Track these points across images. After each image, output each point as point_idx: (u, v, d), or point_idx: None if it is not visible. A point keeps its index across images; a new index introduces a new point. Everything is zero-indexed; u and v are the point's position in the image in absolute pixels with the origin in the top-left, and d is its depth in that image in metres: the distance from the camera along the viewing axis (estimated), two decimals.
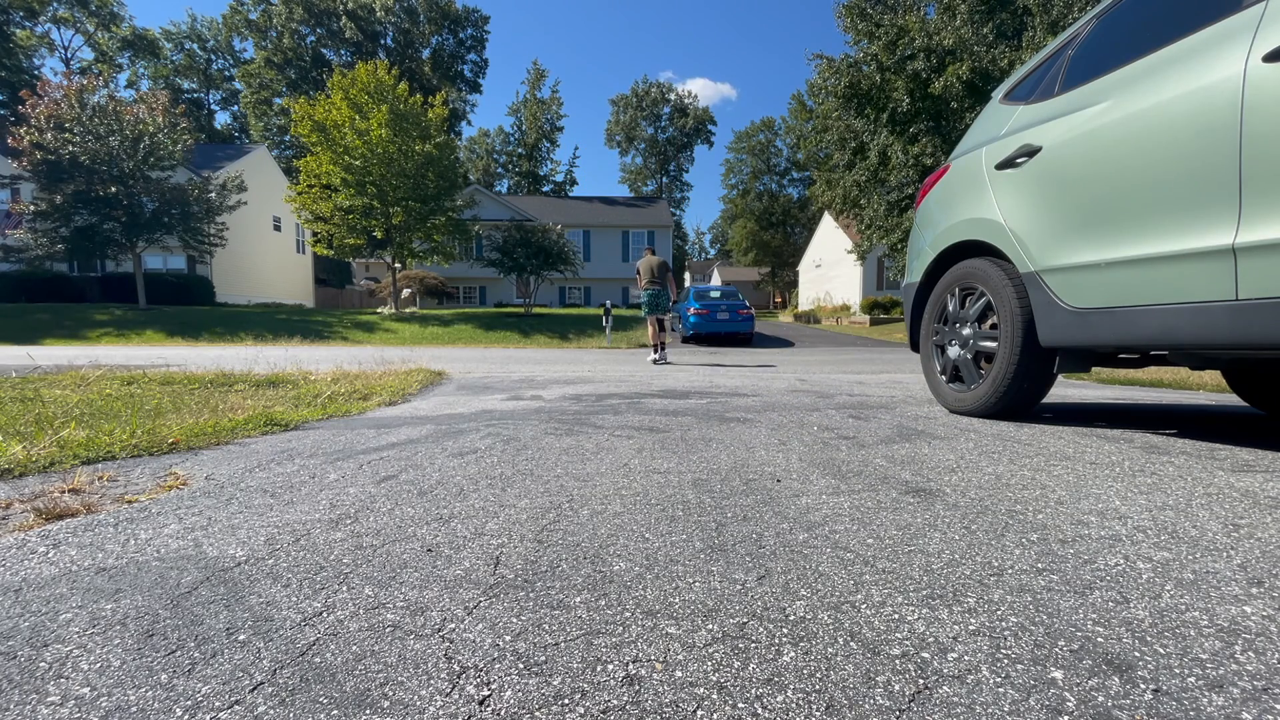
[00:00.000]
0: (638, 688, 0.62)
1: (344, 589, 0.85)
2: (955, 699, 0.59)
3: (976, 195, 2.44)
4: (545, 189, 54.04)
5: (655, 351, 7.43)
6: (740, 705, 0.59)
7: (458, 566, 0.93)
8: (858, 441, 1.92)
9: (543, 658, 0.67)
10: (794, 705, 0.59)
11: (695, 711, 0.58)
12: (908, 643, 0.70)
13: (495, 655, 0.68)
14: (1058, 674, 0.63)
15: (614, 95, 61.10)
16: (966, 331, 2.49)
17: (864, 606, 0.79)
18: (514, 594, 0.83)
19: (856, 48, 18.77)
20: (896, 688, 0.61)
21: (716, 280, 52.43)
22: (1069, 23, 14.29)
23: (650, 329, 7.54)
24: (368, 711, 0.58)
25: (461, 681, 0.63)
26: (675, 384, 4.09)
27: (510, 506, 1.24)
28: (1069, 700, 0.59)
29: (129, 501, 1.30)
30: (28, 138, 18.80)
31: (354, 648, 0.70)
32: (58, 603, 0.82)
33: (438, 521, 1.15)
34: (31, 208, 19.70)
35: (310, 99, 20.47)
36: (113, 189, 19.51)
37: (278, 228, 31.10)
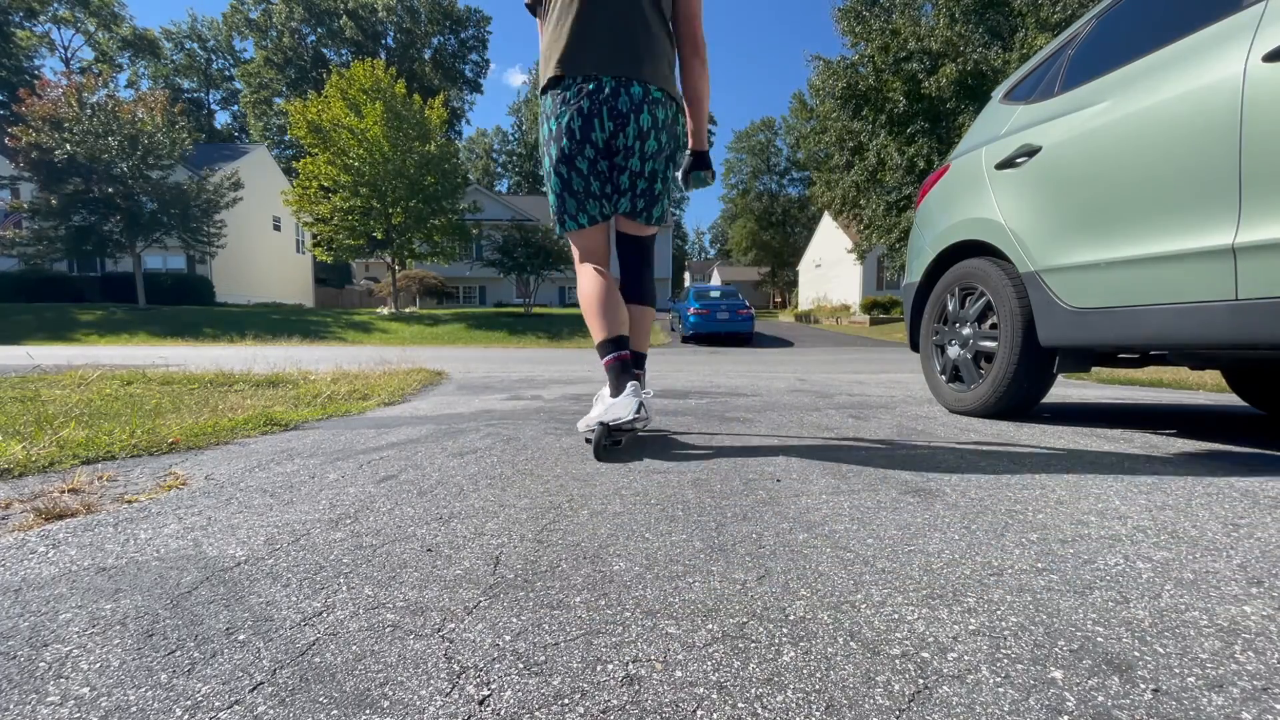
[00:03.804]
0: (638, 687, 0.62)
1: (344, 589, 0.85)
2: (955, 699, 0.59)
3: (976, 195, 2.44)
4: (545, 189, 54.02)
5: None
6: (740, 705, 0.59)
7: (457, 566, 0.93)
8: (858, 441, 1.92)
9: (543, 657, 0.67)
10: (794, 705, 0.59)
11: (695, 711, 0.58)
12: (908, 642, 0.70)
13: (495, 655, 0.68)
14: (1058, 674, 0.63)
15: None
16: (966, 331, 2.49)
17: (864, 606, 0.79)
18: (514, 594, 0.83)
19: (854, 50, 18.81)
20: (896, 687, 0.61)
21: (716, 280, 52.41)
22: (1055, 20, 14.28)
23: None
24: (368, 711, 0.58)
25: (461, 681, 0.63)
26: (675, 383, 4.09)
27: (510, 506, 1.24)
28: (1069, 700, 0.59)
29: (129, 501, 1.30)
30: (25, 138, 18.77)
31: (354, 647, 0.70)
32: (57, 602, 0.82)
33: (438, 521, 1.15)
34: (27, 206, 19.65)
35: (306, 101, 20.45)
36: (110, 189, 19.47)
37: (277, 228, 31.12)
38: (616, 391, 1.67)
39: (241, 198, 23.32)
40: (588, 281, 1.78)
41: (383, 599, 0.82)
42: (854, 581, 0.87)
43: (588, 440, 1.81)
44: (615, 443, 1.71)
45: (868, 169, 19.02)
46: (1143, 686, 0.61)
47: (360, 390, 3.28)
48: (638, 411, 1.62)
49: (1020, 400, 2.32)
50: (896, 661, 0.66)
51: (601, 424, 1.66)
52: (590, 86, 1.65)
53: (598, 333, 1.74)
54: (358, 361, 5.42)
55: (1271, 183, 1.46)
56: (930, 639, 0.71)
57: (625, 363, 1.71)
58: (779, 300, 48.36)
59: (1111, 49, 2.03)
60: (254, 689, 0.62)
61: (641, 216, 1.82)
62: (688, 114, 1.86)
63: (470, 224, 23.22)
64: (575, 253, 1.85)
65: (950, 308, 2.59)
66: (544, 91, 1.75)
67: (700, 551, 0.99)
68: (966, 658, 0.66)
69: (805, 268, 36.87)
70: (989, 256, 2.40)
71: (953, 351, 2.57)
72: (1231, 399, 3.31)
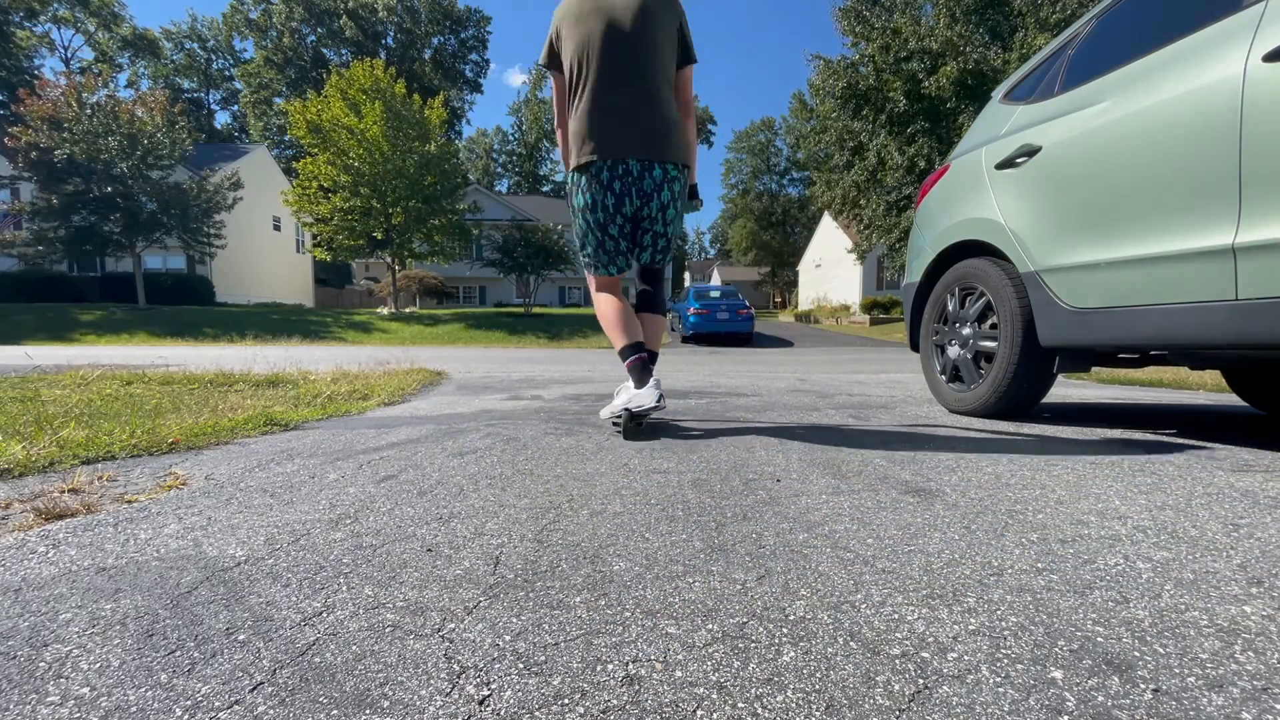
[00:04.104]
0: (638, 687, 0.62)
1: (344, 589, 0.85)
2: (955, 699, 0.59)
3: (976, 195, 2.44)
4: (545, 189, 54.07)
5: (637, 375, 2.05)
6: (740, 705, 0.59)
7: (458, 566, 0.93)
8: (858, 441, 1.92)
9: (543, 657, 0.67)
10: (794, 705, 0.59)
11: (695, 711, 0.58)
12: (907, 642, 0.70)
13: (495, 655, 0.68)
14: (1057, 674, 0.63)
15: None
16: (966, 331, 2.49)
17: (864, 606, 0.79)
18: (514, 594, 0.83)
19: (854, 50, 18.80)
20: (896, 687, 0.61)
21: (716, 280, 52.41)
22: (1055, 20, 14.28)
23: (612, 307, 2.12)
24: (367, 711, 0.58)
25: (461, 681, 0.63)
26: (675, 383, 4.09)
27: (510, 506, 1.24)
28: (1069, 700, 0.59)
29: (129, 501, 1.30)
30: (24, 138, 18.74)
31: (354, 647, 0.70)
32: (57, 602, 0.82)
33: (437, 521, 1.15)
34: (28, 209, 19.62)
35: (306, 101, 20.43)
36: (109, 188, 19.43)
37: (277, 228, 31.10)
38: (640, 384, 1.96)
39: (242, 198, 23.30)
40: (605, 305, 2.09)
41: (383, 599, 0.82)
42: (854, 581, 0.87)
43: (614, 425, 2.13)
44: (639, 424, 2.02)
45: (868, 169, 19.00)
46: (1143, 686, 0.61)
47: (360, 390, 3.28)
48: (658, 401, 1.93)
49: (1020, 400, 2.32)
50: (896, 661, 0.66)
51: (628, 410, 1.96)
52: (620, 170, 1.94)
53: (619, 341, 2.04)
54: (358, 361, 5.42)
55: (1271, 183, 1.46)
56: (930, 639, 0.71)
57: (645, 362, 2.01)
58: (779, 300, 48.34)
59: (1111, 49, 2.03)
60: (254, 689, 0.62)
61: (658, 265, 2.20)
62: (673, 148, 2.07)
63: (470, 224, 23.19)
64: (593, 283, 2.17)
65: (950, 308, 2.59)
66: (578, 169, 2.00)
67: (700, 551, 0.99)
68: (966, 658, 0.66)
69: (805, 268, 36.86)
70: (989, 256, 2.40)
71: (953, 351, 2.57)
72: (1231, 399, 3.31)
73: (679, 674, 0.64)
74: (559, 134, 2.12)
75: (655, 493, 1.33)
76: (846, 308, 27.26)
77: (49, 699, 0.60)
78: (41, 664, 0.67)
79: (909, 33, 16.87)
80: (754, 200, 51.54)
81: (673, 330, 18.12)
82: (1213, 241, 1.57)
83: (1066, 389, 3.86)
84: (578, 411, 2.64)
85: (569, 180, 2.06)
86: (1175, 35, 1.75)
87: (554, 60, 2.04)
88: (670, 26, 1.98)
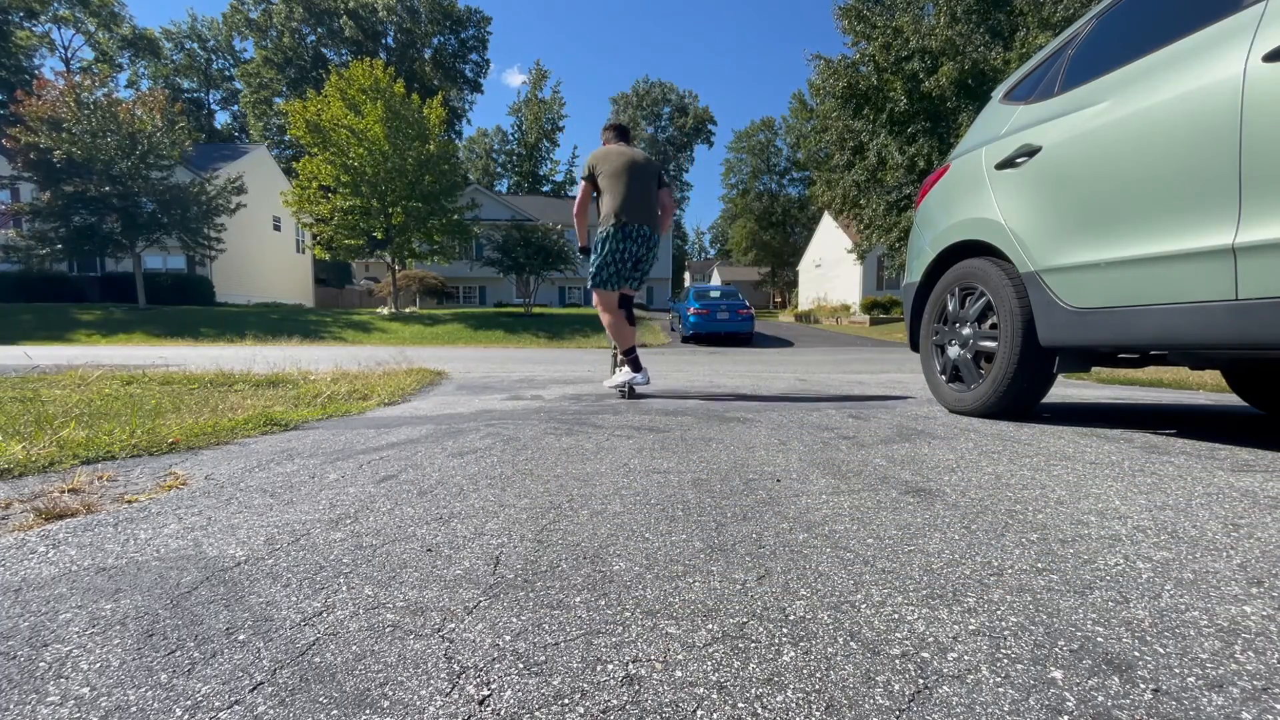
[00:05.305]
0: (638, 687, 0.62)
1: (344, 589, 0.85)
2: (955, 699, 0.59)
3: (976, 195, 2.44)
4: (545, 189, 54.06)
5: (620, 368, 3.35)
6: (740, 705, 0.59)
7: (458, 566, 0.93)
8: (858, 441, 1.92)
9: (543, 657, 0.67)
10: (794, 705, 0.59)
11: (695, 711, 0.58)
12: (908, 642, 0.70)
13: (495, 655, 0.68)
14: (1057, 674, 0.63)
15: (614, 94, 61.41)
16: (966, 331, 2.49)
17: (864, 606, 0.79)
18: (514, 594, 0.84)
19: (855, 49, 18.77)
20: (896, 687, 0.61)
21: (716, 280, 52.39)
22: (1056, 19, 14.26)
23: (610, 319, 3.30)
24: (368, 711, 0.58)
25: (461, 681, 0.63)
26: (675, 384, 4.09)
27: (510, 506, 1.24)
28: (1069, 700, 0.59)
29: (129, 501, 1.30)
30: (23, 138, 18.71)
31: (354, 647, 0.70)
32: (57, 602, 0.82)
33: (438, 521, 1.15)
34: (27, 209, 19.57)
35: (305, 101, 20.39)
36: (108, 188, 19.37)
37: (277, 228, 31.07)
38: (636, 370, 3.23)
39: (245, 204, 23.26)
40: (612, 316, 3.30)
41: (383, 599, 0.82)
42: (854, 581, 0.87)
43: (621, 393, 3.32)
44: (633, 393, 3.25)
45: (868, 168, 18.98)
46: (1143, 686, 0.61)
47: (360, 390, 3.28)
48: (647, 382, 3.27)
49: (1020, 400, 2.32)
50: (896, 661, 0.66)
51: (630, 386, 3.24)
52: (639, 231, 3.19)
53: (623, 344, 3.29)
54: (357, 361, 5.42)
55: (1271, 183, 1.46)
56: (930, 639, 0.71)
57: (637, 357, 3.26)
58: (779, 300, 48.32)
59: (1112, 49, 2.03)
60: (254, 689, 0.62)
61: (639, 289, 3.46)
62: (661, 227, 3.41)
63: (470, 223, 23.14)
64: (602, 301, 3.30)
65: (950, 308, 2.59)
66: (616, 226, 3.17)
67: (700, 551, 0.99)
68: (966, 658, 0.66)
69: (805, 268, 36.84)
70: (989, 256, 2.40)
71: (953, 351, 2.57)
72: (1231, 399, 3.31)
73: (679, 674, 0.64)
74: (577, 220, 3.40)
75: (655, 493, 1.33)
76: (846, 307, 27.23)
77: (49, 699, 0.60)
78: (41, 664, 0.67)
79: (910, 32, 16.84)
80: (754, 200, 51.47)
81: (673, 330, 18.13)
82: (1213, 241, 1.57)
83: (1066, 389, 3.86)
84: (578, 411, 2.64)
85: (603, 232, 3.21)
86: (1175, 35, 1.75)
87: (590, 179, 3.30)
88: (657, 170, 3.38)
